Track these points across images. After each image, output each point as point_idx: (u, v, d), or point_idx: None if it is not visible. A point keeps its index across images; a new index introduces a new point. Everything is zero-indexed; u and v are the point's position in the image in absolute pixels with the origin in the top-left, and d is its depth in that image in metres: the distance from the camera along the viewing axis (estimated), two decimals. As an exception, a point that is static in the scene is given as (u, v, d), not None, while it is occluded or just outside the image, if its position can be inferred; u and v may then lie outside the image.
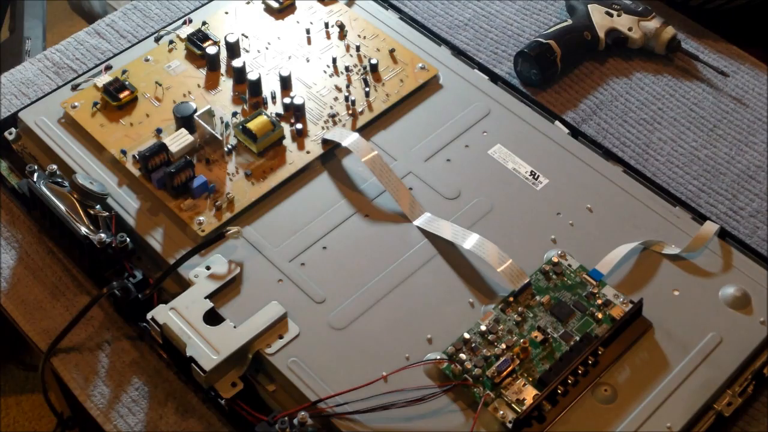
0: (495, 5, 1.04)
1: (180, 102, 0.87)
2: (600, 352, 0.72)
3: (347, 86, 0.90)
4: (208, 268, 0.76)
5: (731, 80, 0.98)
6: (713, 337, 0.74)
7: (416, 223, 0.80)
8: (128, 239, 0.77)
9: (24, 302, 0.80)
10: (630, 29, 0.97)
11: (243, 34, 0.94)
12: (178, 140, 0.83)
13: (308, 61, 0.92)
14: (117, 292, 0.75)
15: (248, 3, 0.97)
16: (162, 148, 0.81)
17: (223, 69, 0.91)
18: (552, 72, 0.95)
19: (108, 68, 0.91)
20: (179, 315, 0.73)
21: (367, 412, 0.68)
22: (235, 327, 0.72)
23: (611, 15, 0.98)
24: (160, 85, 0.90)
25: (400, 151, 0.86)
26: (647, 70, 0.99)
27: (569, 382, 0.70)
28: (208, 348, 0.71)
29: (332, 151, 0.86)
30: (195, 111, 0.85)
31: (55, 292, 0.81)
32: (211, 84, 0.90)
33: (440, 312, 0.75)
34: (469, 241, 0.77)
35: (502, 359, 0.71)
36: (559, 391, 0.70)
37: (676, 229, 0.80)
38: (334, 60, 0.92)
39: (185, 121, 0.85)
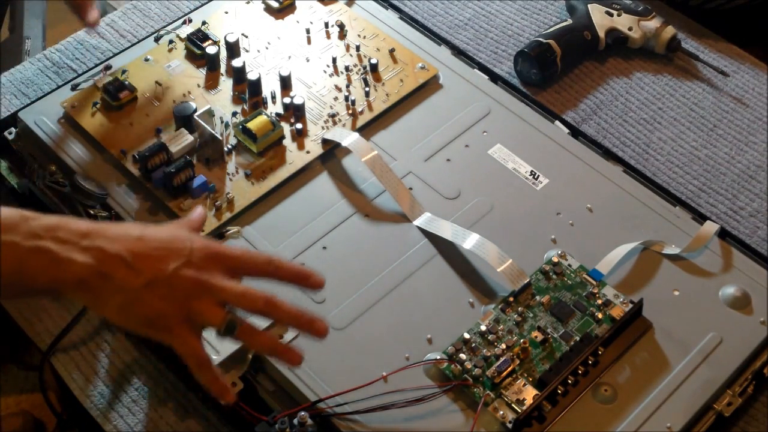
0: (495, 5, 1.04)
1: (180, 102, 0.87)
2: (600, 352, 0.72)
3: (347, 86, 0.90)
4: (208, 268, 0.76)
5: (731, 80, 0.98)
6: (713, 337, 0.74)
7: (416, 223, 0.80)
8: (128, 239, 0.77)
9: (24, 302, 0.80)
10: (630, 29, 0.97)
11: (243, 34, 0.94)
12: (177, 140, 0.83)
13: (308, 60, 0.92)
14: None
15: (248, 3, 0.97)
16: (162, 148, 0.81)
17: (223, 69, 0.91)
18: (552, 72, 0.95)
19: (108, 68, 0.91)
20: (179, 315, 0.72)
21: (367, 412, 0.68)
22: (235, 327, 0.72)
23: (611, 15, 0.98)
24: (160, 84, 0.89)
25: (400, 151, 0.86)
26: (647, 70, 0.98)
27: (569, 382, 0.70)
28: (208, 348, 0.70)
29: (332, 151, 0.86)
30: (195, 111, 0.85)
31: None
32: (211, 84, 0.90)
33: (440, 312, 0.75)
34: (469, 241, 0.77)
35: (502, 359, 0.71)
36: (559, 391, 0.70)
37: (676, 229, 0.80)
38: (334, 60, 0.92)
39: (185, 121, 0.85)
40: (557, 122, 0.89)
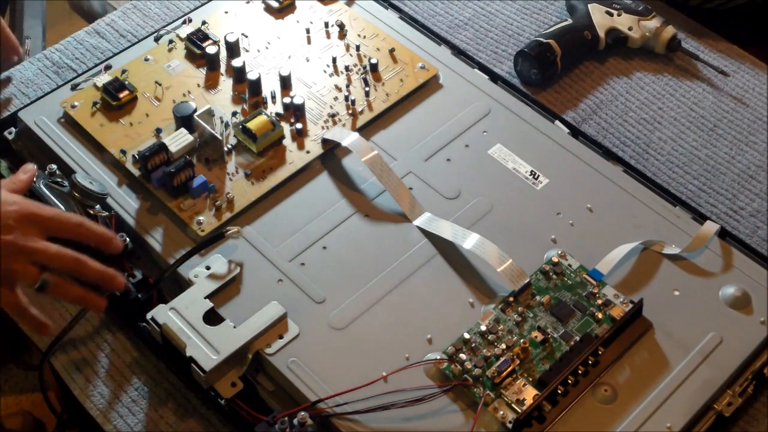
0: (495, 5, 1.04)
1: (180, 102, 0.87)
2: (600, 352, 0.72)
3: (347, 86, 0.90)
4: (208, 268, 0.76)
5: (731, 80, 0.98)
6: (713, 337, 0.74)
7: (416, 223, 0.80)
8: (128, 239, 0.77)
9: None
10: (630, 29, 0.97)
11: (243, 34, 0.94)
12: (177, 140, 0.83)
13: (308, 60, 0.92)
14: (116, 292, 0.75)
15: (248, 2, 0.97)
16: (162, 147, 0.81)
17: (222, 68, 0.91)
18: (552, 71, 0.95)
19: (108, 68, 0.91)
20: (179, 315, 0.72)
21: (367, 412, 0.68)
22: (234, 327, 0.72)
23: (611, 14, 0.98)
24: (160, 84, 0.89)
25: (400, 150, 0.86)
26: (647, 70, 0.98)
27: (569, 382, 0.70)
28: (208, 348, 0.70)
29: (332, 151, 0.86)
30: (195, 111, 0.85)
31: (55, 292, 0.80)
32: (211, 84, 0.90)
33: (440, 312, 0.75)
34: (469, 241, 0.77)
35: (502, 359, 0.71)
36: (559, 391, 0.70)
37: (676, 229, 0.80)
38: (334, 59, 0.92)
39: (185, 120, 0.85)
40: (557, 122, 0.89)
